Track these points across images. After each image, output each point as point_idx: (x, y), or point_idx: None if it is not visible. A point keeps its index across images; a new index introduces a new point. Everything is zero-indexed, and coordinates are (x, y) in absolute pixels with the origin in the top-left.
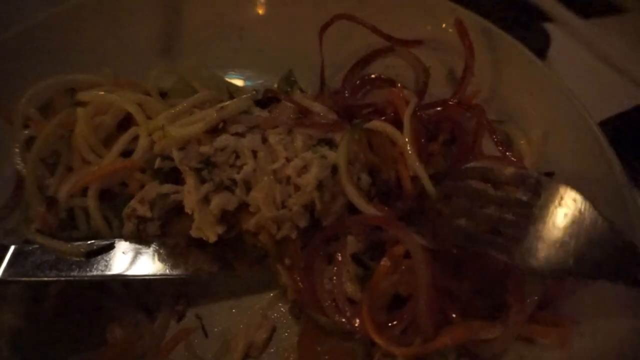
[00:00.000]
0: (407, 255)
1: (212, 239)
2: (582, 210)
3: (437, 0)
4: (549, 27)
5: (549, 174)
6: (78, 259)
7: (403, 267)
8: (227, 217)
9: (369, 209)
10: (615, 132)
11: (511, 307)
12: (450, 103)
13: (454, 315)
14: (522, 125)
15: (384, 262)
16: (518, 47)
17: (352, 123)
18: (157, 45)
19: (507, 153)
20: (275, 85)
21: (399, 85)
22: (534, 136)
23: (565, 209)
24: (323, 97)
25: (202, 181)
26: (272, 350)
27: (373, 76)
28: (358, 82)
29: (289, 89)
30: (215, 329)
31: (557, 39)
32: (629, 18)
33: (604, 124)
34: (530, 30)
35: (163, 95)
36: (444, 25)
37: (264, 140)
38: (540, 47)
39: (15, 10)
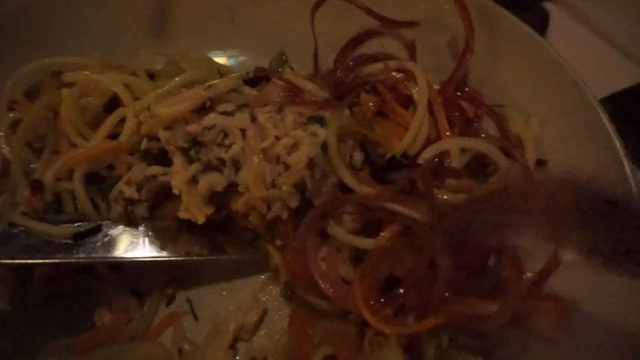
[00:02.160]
0: (401, 234)
1: (201, 220)
2: None
3: None
4: (548, 6)
5: (542, 162)
6: (65, 242)
7: (398, 247)
8: (216, 198)
9: (360, 188)
10: (616, 109)
11: (508, 282)
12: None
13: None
14: (520, 103)
15: (379, 241)
16: (516, 23)
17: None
18: (147, 27)
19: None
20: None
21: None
22: (532, 123)
23: None
24: (316, 78)
25: (190, 161)
26: (263, 332)
27: (366, 55)
28: (351, 62)
29: (280, 69)
30: (206, 312)
31: (556, 18)
32: None
33: (604, 102)
34: (529, 10)
35: (152, 77)
36: (439, 1)
37: (253, 118)
38: (539, 27)
39: None
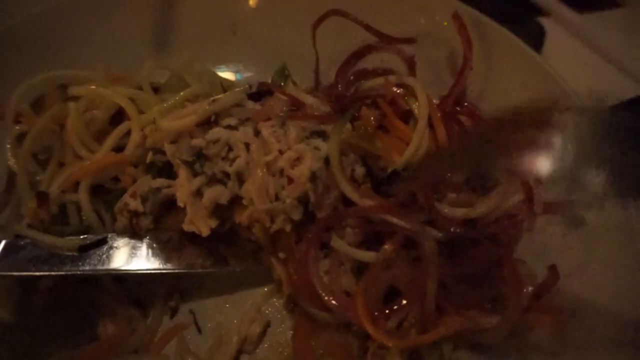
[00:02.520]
0: (402, 247)
1: (205, 232)
2: None
3: None
4: (544, 21)
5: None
6: (70, 254)
7: (399, 260)
8: (220, 211)
9: (362, 201)
10: (610, 123)
11: (508, 296)
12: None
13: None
14: None
15: (381, 254)
16: (511, 39)
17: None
18: (150, 40)
19: None
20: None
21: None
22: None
23: None
24: (317, 92)
25: (195, 174)
26: (266, 345)
27: (366, 69)
28: (351, 76)
29: (282, 83)
30: (209, 324)
31: (551, 32)
32: (624, 12)
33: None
34: (525, 24)
35: (156, 90)
36: (437, 18)
37: (257, 132)
38: (536, 41)
39: (7, 4)
